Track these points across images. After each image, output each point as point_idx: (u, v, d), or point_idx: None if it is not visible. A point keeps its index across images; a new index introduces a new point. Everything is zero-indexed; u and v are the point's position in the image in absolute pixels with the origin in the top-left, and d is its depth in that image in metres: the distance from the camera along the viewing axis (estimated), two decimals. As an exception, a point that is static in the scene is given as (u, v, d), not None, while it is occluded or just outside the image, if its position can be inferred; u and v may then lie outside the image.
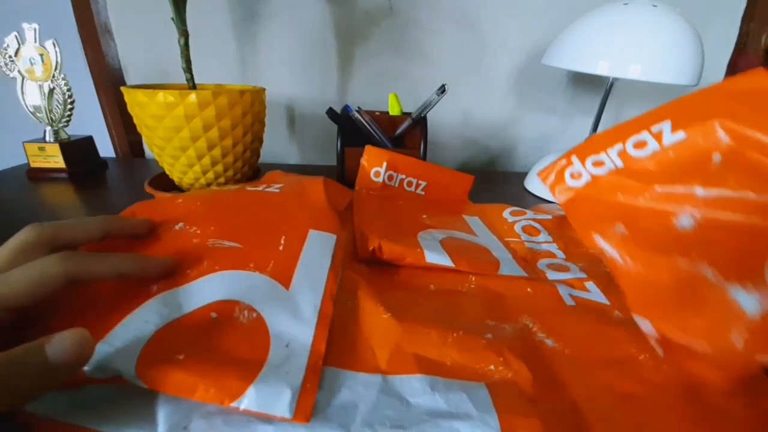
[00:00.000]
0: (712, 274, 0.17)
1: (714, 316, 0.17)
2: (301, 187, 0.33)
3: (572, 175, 0.22)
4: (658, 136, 0.20)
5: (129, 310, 0.18)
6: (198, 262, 0.22)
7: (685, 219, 0.19)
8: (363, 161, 0.42)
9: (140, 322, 0.18)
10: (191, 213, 0.26)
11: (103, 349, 0.16)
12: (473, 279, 0.27)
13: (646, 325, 0.18)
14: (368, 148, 0.42)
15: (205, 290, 0.20)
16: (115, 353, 0.16)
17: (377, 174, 0.41)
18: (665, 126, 0.20)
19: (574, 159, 0.22)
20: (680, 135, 0.20)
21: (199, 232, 0.24)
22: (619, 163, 0.21)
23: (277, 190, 0.31)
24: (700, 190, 0.19)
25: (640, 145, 0.21)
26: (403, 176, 0.42)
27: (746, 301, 0.17)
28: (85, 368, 0.16)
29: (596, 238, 0.20)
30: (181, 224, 0.25)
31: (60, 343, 0.14)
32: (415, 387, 0.18)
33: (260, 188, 0.32)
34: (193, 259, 0.22)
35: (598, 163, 0.22)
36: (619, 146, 0.21)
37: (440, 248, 0.29)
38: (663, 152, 0.20)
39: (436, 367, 0.19)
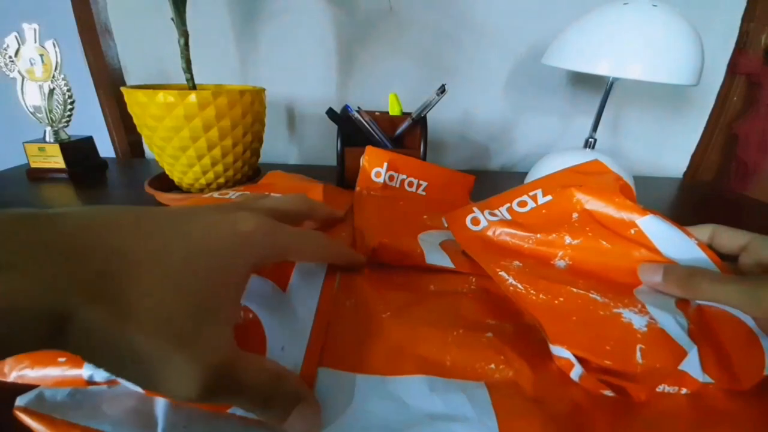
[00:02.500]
0: (601, 298, 0.22)
1: (615, 335, 0.20)
2: (301, 191, 0.33)
3: (473, 221, 0.28)
4: (534, 198, 0.28)
5: None
6: None
7: (560, 261, 0.26)
8: (363, 162, 0.42)
9: None
10: None
11: None
12: (473, 279, 0.27)
13: (564, 353, 0.19)
14: (369, 149, 0.41)
15: None
16: None
17: (378, 174, 0.41)
18: (539, 192, 0.28)
19: (475, 209, 0.29)
20: (549, 198, 0.28)
21: None
22: (508, 216, 0.28)
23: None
24: (568, 238, 0.26)
25: (522, 204, 0.29)
26: (404, 176, 0.42)
27: (635, 319, 0.20)
28: (84, 375, 0.16)
29: (501, 274, 0.24)
30: None
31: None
32: (413, 388, 0.18)
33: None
34: None
35: (493, 215, 0.28)
36: (507, 204, 0.29)
37: (440, 250, 0.29)
38: (538, 209, 0.28)
39: (435, 367, 0.19)
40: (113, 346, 0.12)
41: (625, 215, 0.25)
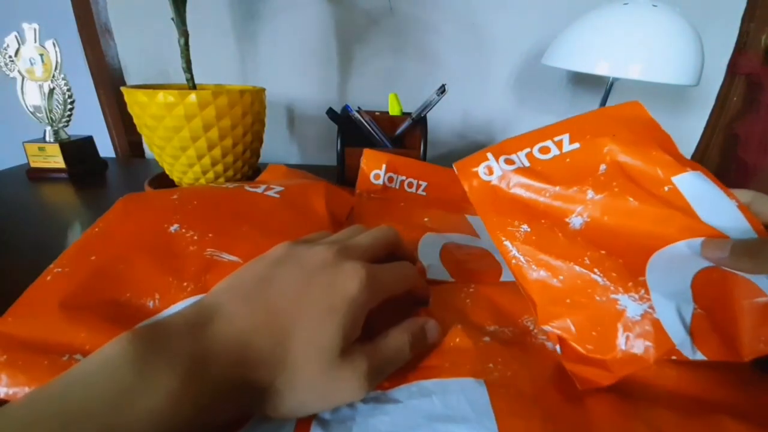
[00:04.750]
0: (602, 280, 0.20)
1: (605, 322, 0.20)
2: (303, 194, 0.32)
3: (487, 169, 0.25)
4: (559, 145, 0.25)
5: (125, 328, 0.18)
6: (196, 276, 0.21)
7: (577, 219, 0.23)
8: (362, 165, 0.41)
9: None
10: (187, 214, 0.25)
11: None
12: (472, 285, 0.27)
13: (550, 330, 0.20)
14: (366, 152, 0.41)
15: None
16: None
17: (377, 176, 0.41)
18: (565, 137, 0.25)
19: (489, 155, 0.25)
20: (576, 145, 0.24)
21: (196, 237, 0.23)
22: (527, 163, 0.25)
23: (278, 196, 0.30)
24: (590, 193, 0.23)
25: (544, 150, 0.25)
26: (404, 177, 0.42)
27: (631, 306, 0.19)
28: None
29: (506, 244, 0.23)
30: (176, 226, 0.24)
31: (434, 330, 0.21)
32: (412, 392, 0.18)
33: (260, 189, 0.31)
34: (191, 269, 0.22)
35: (509, 162, 0.25)
36: (527, 149, 0.25)
37: (440, 264, 0.29)
38: (562, 157, 0.24)
39: (434, 371, 0.19)
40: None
41: (660, 171, 0.22)
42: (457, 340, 0.21)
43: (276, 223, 0.28)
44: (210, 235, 0.24)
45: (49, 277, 0.21)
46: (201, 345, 0.16)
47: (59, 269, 0.21)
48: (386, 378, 0.19)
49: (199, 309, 0.18)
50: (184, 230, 0.24)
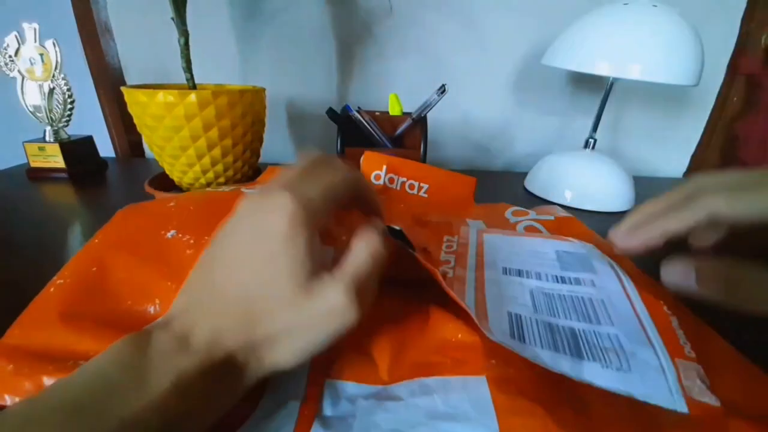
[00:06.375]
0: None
1: None
2: None
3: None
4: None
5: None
6: None
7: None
8: (362, 167, 0.41)
9: None
10: (184, 219, 0.25)
11: None
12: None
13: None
14: (366, 154, 0.41)
15: None
16: None
17: (377, 177, 0.41)
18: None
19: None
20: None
21: (192, 241, 0.23)
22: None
23: None
24: None
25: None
26: (404, 179, 0.41)
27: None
28: None
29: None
30: (173, 231, 0.24)
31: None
32: (413, 389, 0.18)
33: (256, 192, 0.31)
34: (188, 273, 0.21)
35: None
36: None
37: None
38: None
39: (436, 368, 0.19)
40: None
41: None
42: (459, 335, 0.21)
43: None
44: (206, 238, 0.24)
45: (52, 289, 0.22)
46: (177, 367, 0.15)
47: (61, 281, 0.22)
48: (387, 371, 0.19)
49: (167, 329, 0.17)
50: (180, 235, 0.24)
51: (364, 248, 0.18)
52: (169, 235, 0.24)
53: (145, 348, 0.15)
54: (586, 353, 0.20)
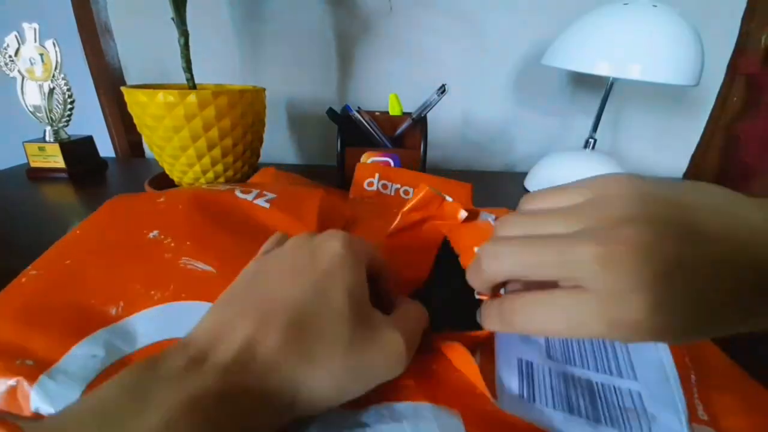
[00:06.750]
0: None
1: None
2: (296, 204, 0.31)
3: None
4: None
5: (82, 335, 0.18)
6: (165, 284, 0.21)
7: None
8: (355, 176, 0.41)
9: (86, 357, 0.17)
10: (169, 220, 0.25)
11: (46, 384, 0.16)
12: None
13: None
14: (359, 166, 0.41)
15: (160, 323, 0.19)
16: (57, 389, 0.16)
17: (370, 184, 0.40)
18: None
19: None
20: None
21: (173, 245, 0.23)
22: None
23: (267, 205, 0.29)
24: None
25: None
26: (398, 186, 0.41)
27: None
28: (31, 406, 0.16)
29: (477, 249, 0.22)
30: (156, 232, 0.24)
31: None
32: (382, 414, 0.17)
33: (251, 196, 0.30)
34: (161, 277, 0.21)
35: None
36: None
37: None
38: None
39: (406, 393, 0.18)
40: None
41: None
42: (434, 367, 0.19)
43: (261, 235, 0.26)
44: (188, 243, 0.23)
45: (23, 279, 0.21)
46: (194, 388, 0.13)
47: (34, 272, 0.21)
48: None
49: (193, 341, 0.15)
50: (162, 237, 0.23)
51: (415, 310, 0.19)
52: (151, 235, 0.23)
53: (152, 369, 0.14)
54: (604, 416, 0.18)
